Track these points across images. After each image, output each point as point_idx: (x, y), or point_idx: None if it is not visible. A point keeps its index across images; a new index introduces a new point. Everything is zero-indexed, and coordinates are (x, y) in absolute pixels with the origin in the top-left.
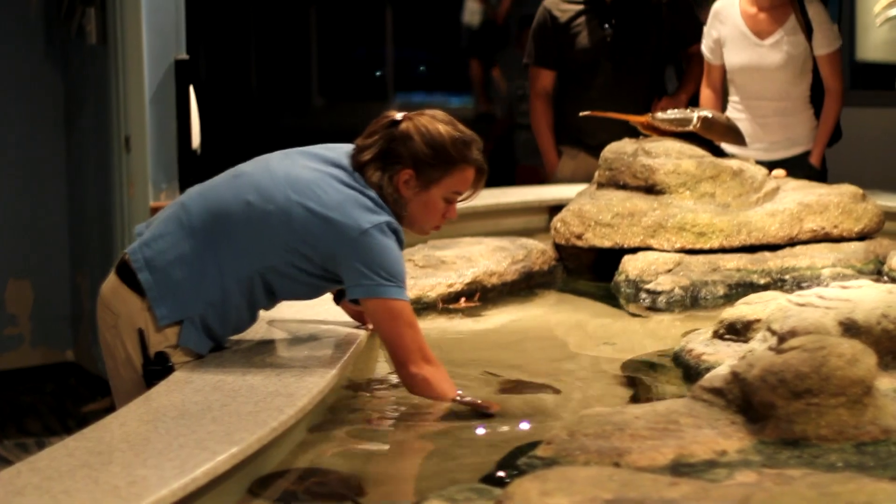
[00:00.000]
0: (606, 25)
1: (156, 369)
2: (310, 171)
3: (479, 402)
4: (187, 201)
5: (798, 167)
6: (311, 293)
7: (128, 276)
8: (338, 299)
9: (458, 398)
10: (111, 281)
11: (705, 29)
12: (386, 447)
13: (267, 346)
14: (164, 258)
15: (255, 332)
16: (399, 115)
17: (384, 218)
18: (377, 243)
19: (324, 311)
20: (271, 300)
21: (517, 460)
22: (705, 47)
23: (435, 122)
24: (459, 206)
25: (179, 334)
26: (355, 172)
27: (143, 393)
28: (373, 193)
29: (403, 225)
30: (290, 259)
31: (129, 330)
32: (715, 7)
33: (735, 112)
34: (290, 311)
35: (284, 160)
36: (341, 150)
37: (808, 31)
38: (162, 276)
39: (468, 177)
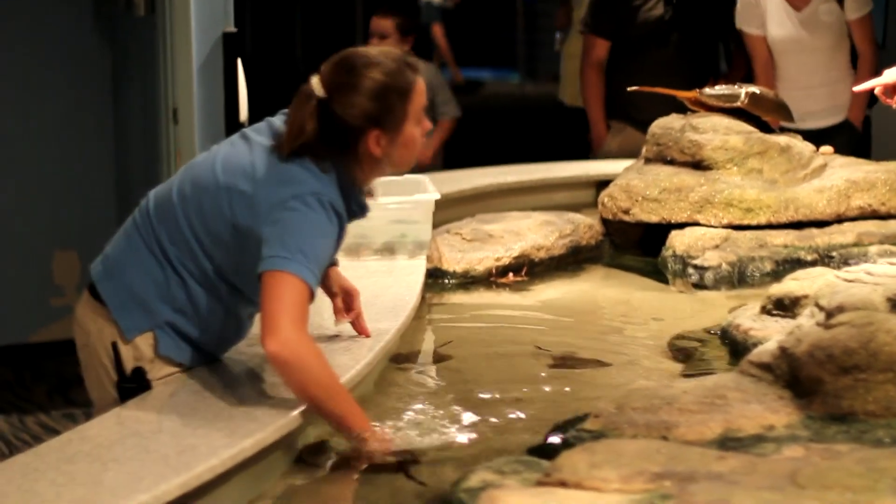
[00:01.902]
0: (668, 3)
1: (130, 387)
2: (244, 148)
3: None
4: (143, 201)
5: (842, 133)
6: None
7: (97, 290)
8: None
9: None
10: (82, 297)
11: (740, 6)
12: (435, 418)
13: (314, 321)
14: (122, 265)
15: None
16: (313, 86)
17: (310, 188)
18: (296, 215)
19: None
20: (245, 301)
21: (566, 433)
22: (747, 24)
23: (358, 77)
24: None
25: (156, 345)
26: None
27: None
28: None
29: (378, 176)
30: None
31: (100, 347)
32: None
33: (784, 89)
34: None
35: (233, 141)
36: None
37: None
38: (122, 285)
39: (421, 86)
